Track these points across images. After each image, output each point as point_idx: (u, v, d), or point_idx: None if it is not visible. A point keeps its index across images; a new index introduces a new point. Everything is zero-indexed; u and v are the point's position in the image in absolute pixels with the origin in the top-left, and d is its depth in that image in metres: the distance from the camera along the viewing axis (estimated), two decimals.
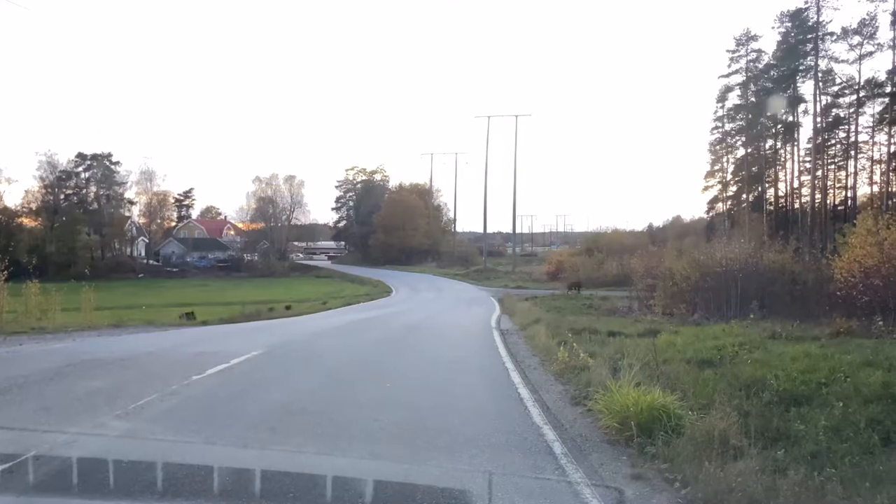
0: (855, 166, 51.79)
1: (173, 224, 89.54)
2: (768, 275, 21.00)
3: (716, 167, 61.72)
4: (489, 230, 74.32)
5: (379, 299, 38.28)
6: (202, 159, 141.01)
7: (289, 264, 76.82)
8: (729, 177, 63.75)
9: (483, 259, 68.55)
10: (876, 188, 50.95)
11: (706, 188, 62.85)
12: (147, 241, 79.23)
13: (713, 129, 61.09)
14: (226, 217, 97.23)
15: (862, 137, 50.74)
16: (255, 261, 76.83)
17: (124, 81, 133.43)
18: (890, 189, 48.99)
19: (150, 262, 76.15)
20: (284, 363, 10.31)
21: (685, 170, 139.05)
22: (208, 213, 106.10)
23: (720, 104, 60.06)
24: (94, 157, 71.97)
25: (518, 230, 75.14)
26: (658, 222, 75.53)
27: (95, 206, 71.93)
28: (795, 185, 57.51)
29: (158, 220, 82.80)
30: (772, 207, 58.57)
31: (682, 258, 27.36)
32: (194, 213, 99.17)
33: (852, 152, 51.73)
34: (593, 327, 15.58)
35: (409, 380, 9.00)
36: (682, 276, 26.20)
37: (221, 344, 13.23)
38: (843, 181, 53.56)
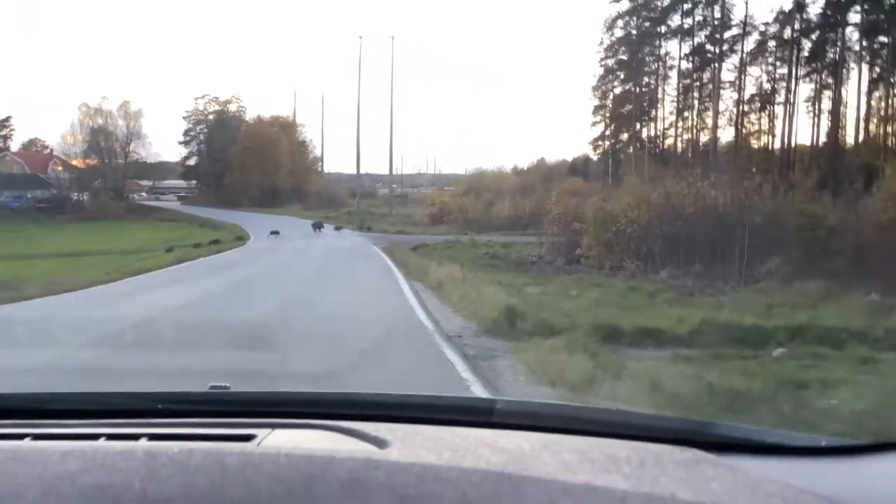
0: (739, 109, 48.54)
1: None
2: (789, 220, 14.51)
3: (604, 102, 56.77)
4: (356, 173, 64.79)
5: (231, 251, 28.81)
6: (22, 84, 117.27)
7: (126, 205, 63.84)
8: (609, 114, 59.56)
9: (356, 200, 59.72)
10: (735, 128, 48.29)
11: (594, 124, 57.83)
12: None
13: (601, 59, 55.77)
14: (52, 151, 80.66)
15: (729, 77, 47.72)
16: (85, 201, 63.06)
17: None
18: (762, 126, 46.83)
19: None
20: None
21: (549, 111, 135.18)
22: (32, 146, 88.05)
23: (609, 33, 54.51)
24: None
25: (389, 171, 66.32)
26: (523, 164, 69.08)
27: None
28: (668, 124, 54.46)
29: None
30: (651, 146, 55.15)
31: (625, 196, 20.73)
32: (14, 146, 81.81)
33: (724, 91, 48.48)
34: (602, 320, 8.19)
35: None
36: (628, 219, 19.57)
37: None
38: (712, 121, 50.39)
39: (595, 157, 58.72)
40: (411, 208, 58.01)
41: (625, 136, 58.80)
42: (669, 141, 56.12)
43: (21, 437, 1.17)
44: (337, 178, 79.24)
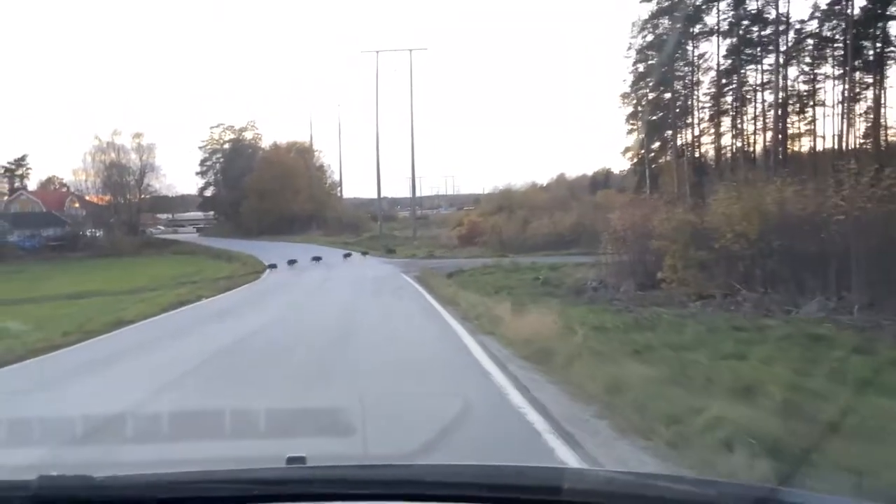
0: (775, 112, 43.86)
1: (4, 198, 71.41)
2: None
3: (637, 108, 52.31)
4: (375, 197, 60.16)
5: (240, 287, 24.63)
6: (39, 122, 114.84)
7: (140, 240, 60.31)
8: (641, 121, 55.19)
9: (378, 224, 55.45)
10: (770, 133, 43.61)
11: (629, 132, 53.36)
12: None
13: (633, 64, 51.40)
14: (69, 188, 77.89)
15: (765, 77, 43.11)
16: (99, 237, 59.68)
17: None
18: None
19: None
20: None
21: (565, 126, 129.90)
22: (49, 184, 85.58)
23: (641, 35, 50.06)
24: None
25: (408, 193, 61.90)
26: (542, 180, 64.36)
27: None
28: (702, 129, 49.89)
29: None
30: (690, 154, 50.60)
31: (722, 205, 16.17)
32: (31, 185, 79.63)
33: (763, 94, 43.87)
34: None
35: None
36: (734, 233, 14.98)
37: None
38: (754, 125, 45.71)
39: (626, 168, 54.22)
40: (435, 230, 53.93)
41: (656, 144, 54.40)
42: (703, 147, 51.72)
43: None
44: (355, 203, 75.36)
